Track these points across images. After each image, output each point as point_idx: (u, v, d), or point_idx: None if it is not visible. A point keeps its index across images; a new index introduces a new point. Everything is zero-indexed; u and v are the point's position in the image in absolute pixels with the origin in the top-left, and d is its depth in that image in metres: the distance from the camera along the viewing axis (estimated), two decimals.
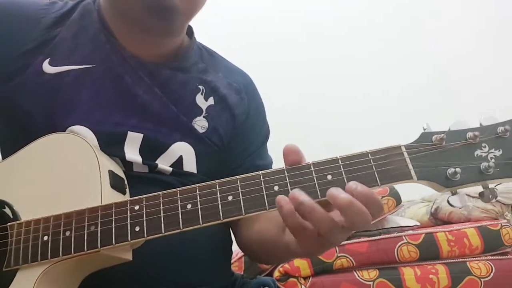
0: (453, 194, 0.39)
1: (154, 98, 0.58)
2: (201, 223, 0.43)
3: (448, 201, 0.38)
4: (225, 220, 0.42)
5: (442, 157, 0.39)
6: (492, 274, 1.06)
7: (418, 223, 1.29)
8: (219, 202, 0.43)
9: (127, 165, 0.54)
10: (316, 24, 1.96)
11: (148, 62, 0.59)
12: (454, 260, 1.09)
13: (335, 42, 1.94)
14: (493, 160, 0.38)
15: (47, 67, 0.56)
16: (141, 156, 0.55)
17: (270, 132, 0.72)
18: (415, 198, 1.61)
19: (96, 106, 0.56)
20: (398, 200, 1.20)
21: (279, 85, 1.77)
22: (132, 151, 0.55)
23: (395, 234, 1.13)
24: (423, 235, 1.11)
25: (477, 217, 1.26)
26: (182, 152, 0.58)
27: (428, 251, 1.09)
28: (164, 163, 0.57)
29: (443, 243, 1.10)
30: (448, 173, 0.38)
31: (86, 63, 0.57)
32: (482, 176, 0.38)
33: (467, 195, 1.33)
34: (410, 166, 0.39)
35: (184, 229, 0.43)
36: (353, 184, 0.38)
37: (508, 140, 0.38)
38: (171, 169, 0.57)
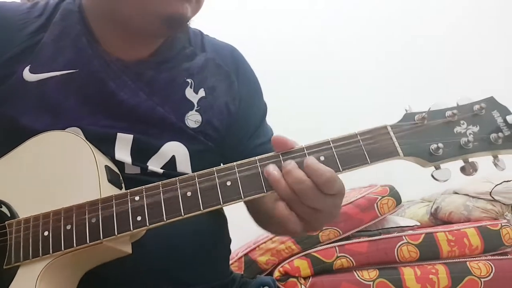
0: (436, 169, 0.44)
1: (140, 101, 0.58)
2: (202, 208, 0.46)
3: (432, 175, 0.42)
4: (225, 205, 0.46)
5: (424, 134, 0.44)
6: (492, 274, 1.09)
7: (418, 223, 1.32)
8: (218, 187, 0.46)
9: (118, 166, 0.56)
10: (307, 17, 2.00)
11: (132, 64, 0.60)
12: (454, 260, 1.12)
13: (325, 30, 1.98)
14: (471, 136, 0.42)
15: (28, 75, 0.56)
16: (132, 158, 0.57)
17: (267, 107, 0.72)
18: (415, 198, 1.64)
19: (83, 112, 0.57)
20: (398, 200, 1.22)
21: (275, 79, 1.80)
22: (122, 152, 0.56)
23: (395, 234, 1.16)
24: (423, 235, 1.14)
25: (477, 217, 1.29)
26: (174, 152, 0.59)
27: (428, 251, 1.12)
28: (155, 164, 0.58)
29: (443, 243, 1.13)
30: (431, 148, 0.43)
31: (69, 68, 0.58)
32: (462, 151, 0.43)
33: (467, 195, 1.37)
34: (396, 144, 0.44)
35: (186, 215, 0.46)
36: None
37: (484, 117, 0.43)
38: (162, 171, 0.58)
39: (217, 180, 0.46)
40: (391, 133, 0.44)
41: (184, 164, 0.60)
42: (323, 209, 0.46)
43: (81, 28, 0.60)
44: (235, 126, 0.66)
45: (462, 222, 1.31)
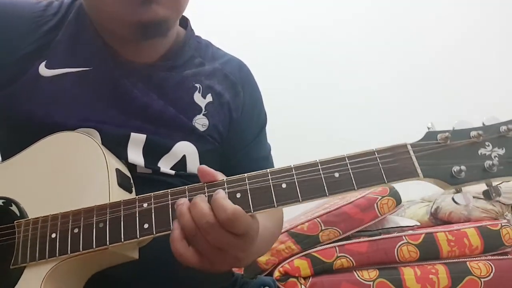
0: (457, 192, 0.41)
1: (152, 100, 0.59)
2: None
3: (453, 199, 0.39)
4: None
5: (447, 155, 0.41)
6: (492, 274, 1.07)
7: (418, 223, 1.30)
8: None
9: (130, 167, 0.55)
10: (316, 26, 1.98)
11: (142, 66, 0.60)
12: (454, 260, 1.10)
13: (337, 42, 1.96)
14: (496, 159, 0.39)
15: (43, 70, 0.56)
16: (144, 158, 0.56)
17: (267, 119, 0.72)
18: (415, 198, 1.63)
19: (98, 108, 0.57)
20: (398, 200, 1.20)
21: (280, 84, 1.79)
22: (135, 153, 0.56)
23: (395, 234, 1.14)
24: (423, 235, 1.12)
25: (477, 217, 1.27)
26: (185, 151, 0.59)
27: (428, 251, 1.10)
28: (166, 165, 0.57)
29: (443, 243, 1.11)
30: (453, 171, 0.40)
31: (83, 66, 0.58)
32: (486, 174, 0.40)
33: None
34: (416, 164, 0.41)
35: None
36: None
37: (511, 139, 0.40)
38: (173, 172, 0.58)
39: (226, 191, 0.44)
40: (411, 153, 0.41)
41: (193, 164, 0.59)
42: (227, 249, 0.43)
43: (94, 30, 0.60)
44: (232, 133, 0.65)
45: (462, 222, 1.29)
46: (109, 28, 0.57)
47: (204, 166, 0.46)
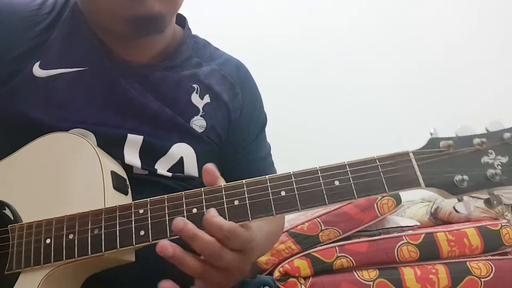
0: (459, 200, 0.40)
1: (150, 101, 0.58)
2: None
3: (454, 208, 0.38)
4: None
5: (449, 164, 0.40)
6: (492, 274, 1.07)
7: (418, 223, 1.29)
8: (225, 206, 0.43)
9: (127, 168, 0.54)
10: (317, 26, 1.96)
11: (139, 66, 0.59)
12: (454, 260, 1.10)
13: (338, 42, 1.94)
14: (499, 167, 0.38)
15: (37, 71, 0.55)
16: (141, 160, 0.55)
17: (267, 120, 0.71)
18: (415, 198, 1.62)
19: (93, 109, 0.56)
20: (398, 200, 1.20)
21: (280, 84, 1.77)
22: (131, 154, 0.55)
23: (395, 234, 1.14)
24: (423, 235, 1.12)
25: (477, 217, 1.26)
26: (183, 153, 0.58)
27: (428, 251, 1.10)
28: (163, 167, 0.57)
29: (443, 243, 1.11)
30: (456, 180, 0.39)
31: (79, 66, 0.56)
32: (488, 183, 0.39)
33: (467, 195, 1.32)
34: (418, 173, 0.40)
35: None
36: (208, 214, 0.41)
37: None
38: (170, 174, 0.57)
39: (224, 198, 0.43)
40: (413, 161, 0.40)
41: (191, 166, 0.59)
42: (231, 267, 0.42)
43: (89, 29, 0.58)
44: (231, 134, 0.64)
45: (462, 222, 1.28)
46: (105, 26, 0.56)
47: (211, 166, 0.45)
